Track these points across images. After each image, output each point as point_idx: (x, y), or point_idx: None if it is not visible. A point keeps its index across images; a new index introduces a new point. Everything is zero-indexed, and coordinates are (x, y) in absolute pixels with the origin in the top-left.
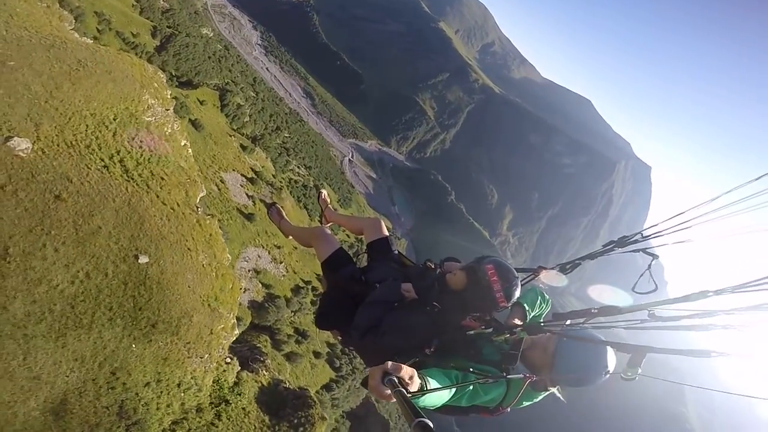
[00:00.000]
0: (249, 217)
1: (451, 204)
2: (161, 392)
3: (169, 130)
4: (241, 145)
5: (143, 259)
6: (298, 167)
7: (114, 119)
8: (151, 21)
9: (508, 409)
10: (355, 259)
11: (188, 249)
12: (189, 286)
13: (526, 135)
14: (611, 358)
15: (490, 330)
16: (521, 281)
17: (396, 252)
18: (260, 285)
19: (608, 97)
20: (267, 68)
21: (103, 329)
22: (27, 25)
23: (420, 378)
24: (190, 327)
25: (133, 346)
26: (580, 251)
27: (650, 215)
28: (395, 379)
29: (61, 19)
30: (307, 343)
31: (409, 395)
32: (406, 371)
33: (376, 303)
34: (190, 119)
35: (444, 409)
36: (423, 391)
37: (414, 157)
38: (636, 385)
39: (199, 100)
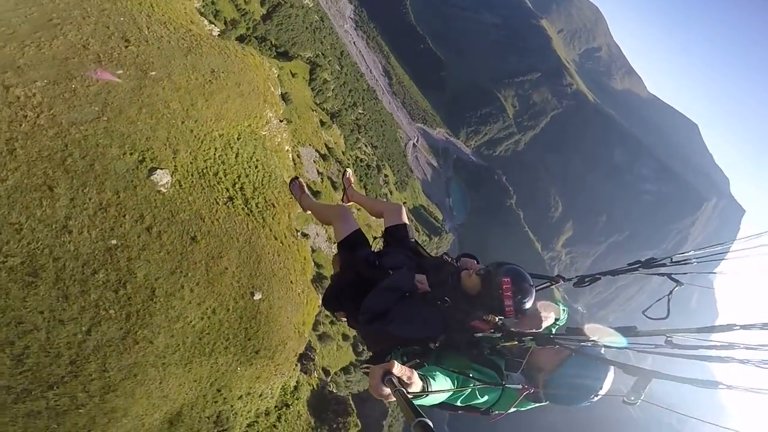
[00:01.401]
0: (316, 194)
1: (510, 208)
2: (248, 402)
3: (279, 140)
4: (321, 121)
5: (257, 296)
6: (366, 146)
7: (238, 138)
8: None
9: (497, 412)
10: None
11: (290, 282)
12: (288, 318)
13: (612, 151)
14: (608, 382)
15: (500, 335)
16: (536, 288)
17: (413, 240)
18: (312, 263)
19: (719, 126)
20: (354, 42)
21: (219, 356)
22: (166, 20)
23: (421, 379)
24: (284, 352)
25: (239, 368)
26: (630, 286)
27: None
28: (395, 378)
29: None
30: (339, 325)
31: (409, 395)
32: (406, 371)
33: (388, 290)
34: (281, 92)
35: (438, 406)
36: (424, 392)
37: (481, 153)
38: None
39: (291, 73)
